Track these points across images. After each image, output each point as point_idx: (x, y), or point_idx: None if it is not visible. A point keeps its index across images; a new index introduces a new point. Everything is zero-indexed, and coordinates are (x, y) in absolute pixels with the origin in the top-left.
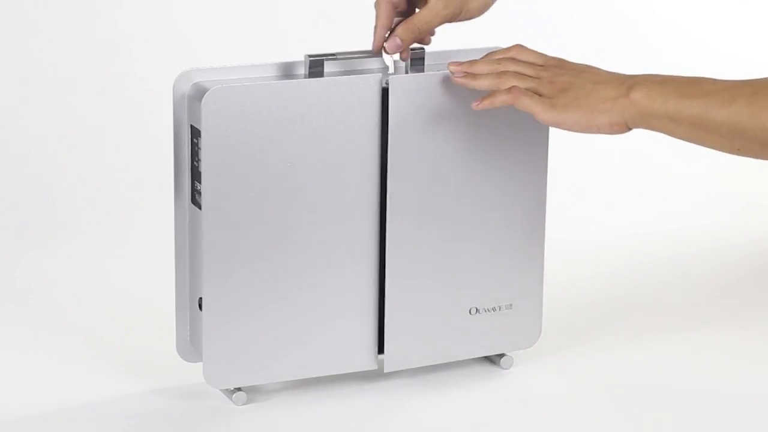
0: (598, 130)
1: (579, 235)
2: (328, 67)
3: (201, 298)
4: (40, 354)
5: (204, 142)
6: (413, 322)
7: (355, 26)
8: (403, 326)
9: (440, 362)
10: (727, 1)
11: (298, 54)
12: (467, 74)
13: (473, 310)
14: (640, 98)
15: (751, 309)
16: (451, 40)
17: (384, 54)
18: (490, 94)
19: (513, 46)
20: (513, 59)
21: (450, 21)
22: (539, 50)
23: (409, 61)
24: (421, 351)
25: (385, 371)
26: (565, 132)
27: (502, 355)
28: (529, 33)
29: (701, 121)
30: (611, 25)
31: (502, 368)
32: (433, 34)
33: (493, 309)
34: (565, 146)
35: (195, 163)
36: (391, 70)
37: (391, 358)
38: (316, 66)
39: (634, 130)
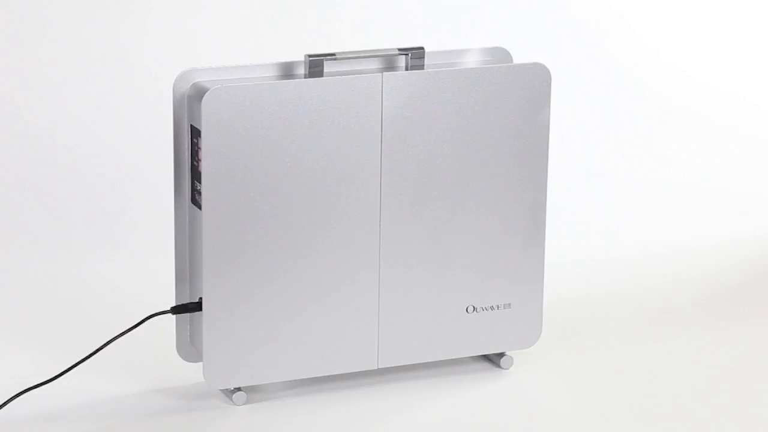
0: None
1: (580, 236)
2: (328, 67)
3: (201, 298)
4: (40, 354)
5: (204, 142)
6: (407, 318)
7: (355, 26)
8: (397, 322)
9: (435, 359)
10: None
11: (298, 54)
12: None
13: (470, 309)
14: None
15: (751, 310)
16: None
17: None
18: None
19: None
20: None
21: None
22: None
23: (408, 59)
24: (415, 347)
25: (378, 366)
26: (567, 133)
27: (502, 355)
28: (528, 33)
29: None
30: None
31: (502, 368)
32: None
33: (491, 308)
34: (567, 146)
35: (195, 163)
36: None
37: (385, 353)
38: (316, 66)
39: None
